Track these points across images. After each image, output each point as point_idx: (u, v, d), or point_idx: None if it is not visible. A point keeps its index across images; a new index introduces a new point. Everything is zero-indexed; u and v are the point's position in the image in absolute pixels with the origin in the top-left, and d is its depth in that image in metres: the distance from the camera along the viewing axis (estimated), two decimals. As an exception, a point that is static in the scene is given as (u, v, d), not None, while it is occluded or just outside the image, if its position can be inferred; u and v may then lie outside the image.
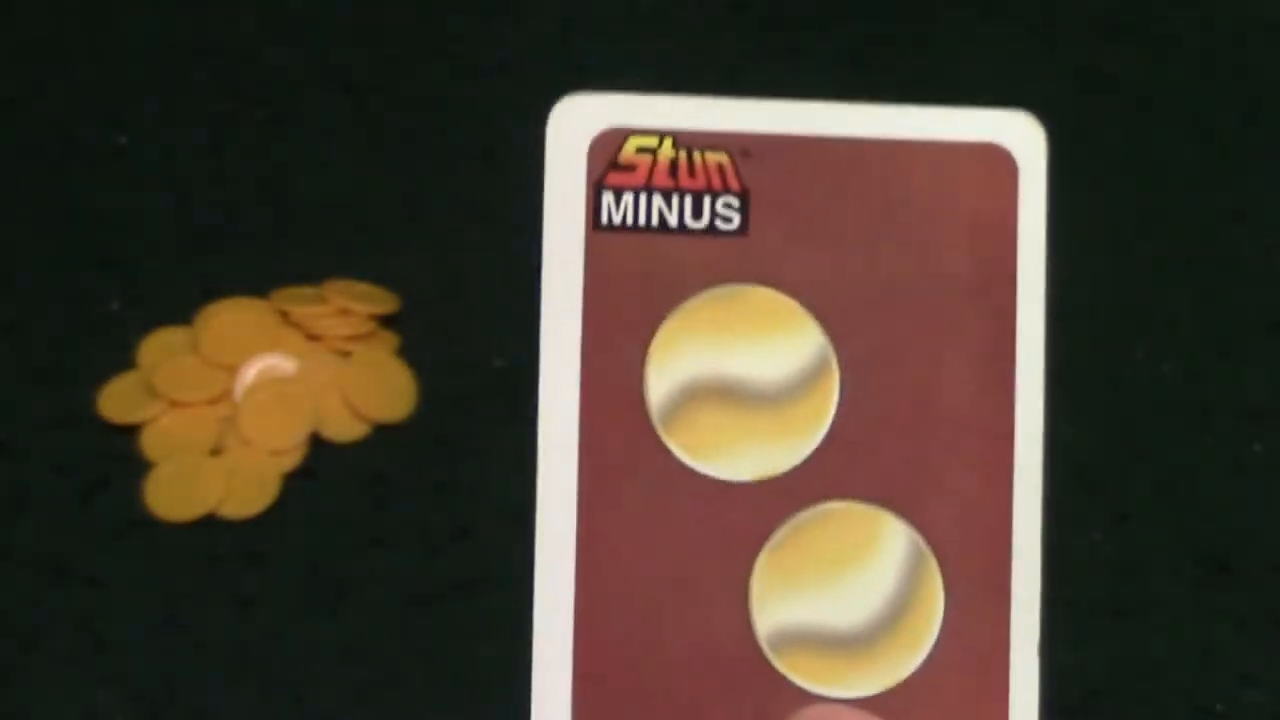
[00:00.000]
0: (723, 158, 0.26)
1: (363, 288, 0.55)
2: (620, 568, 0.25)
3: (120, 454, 0.52)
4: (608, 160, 0.26)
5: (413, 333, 0.55)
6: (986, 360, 0.25)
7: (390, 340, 0.55)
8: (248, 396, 0.53)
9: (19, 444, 0.52)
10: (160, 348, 0.54)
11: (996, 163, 0.26)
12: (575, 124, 0.26)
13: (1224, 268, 0.59)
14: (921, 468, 0.25)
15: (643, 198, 0.26)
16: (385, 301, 0.55)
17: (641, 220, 0.26)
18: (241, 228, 0.57)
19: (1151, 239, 0.59)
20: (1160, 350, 0.56)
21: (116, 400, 0.53)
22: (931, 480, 0.25)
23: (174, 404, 0.53)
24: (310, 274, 0.55)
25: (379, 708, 0.47)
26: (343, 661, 0.48)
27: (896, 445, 0.25)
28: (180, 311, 0.54)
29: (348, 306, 0.54)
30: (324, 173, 0.58)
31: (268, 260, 0.56)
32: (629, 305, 0.26)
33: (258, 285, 0.55)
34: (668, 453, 0.25)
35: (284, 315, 0.55)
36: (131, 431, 0.52)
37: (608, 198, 0.26)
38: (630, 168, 0.26)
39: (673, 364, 0.25)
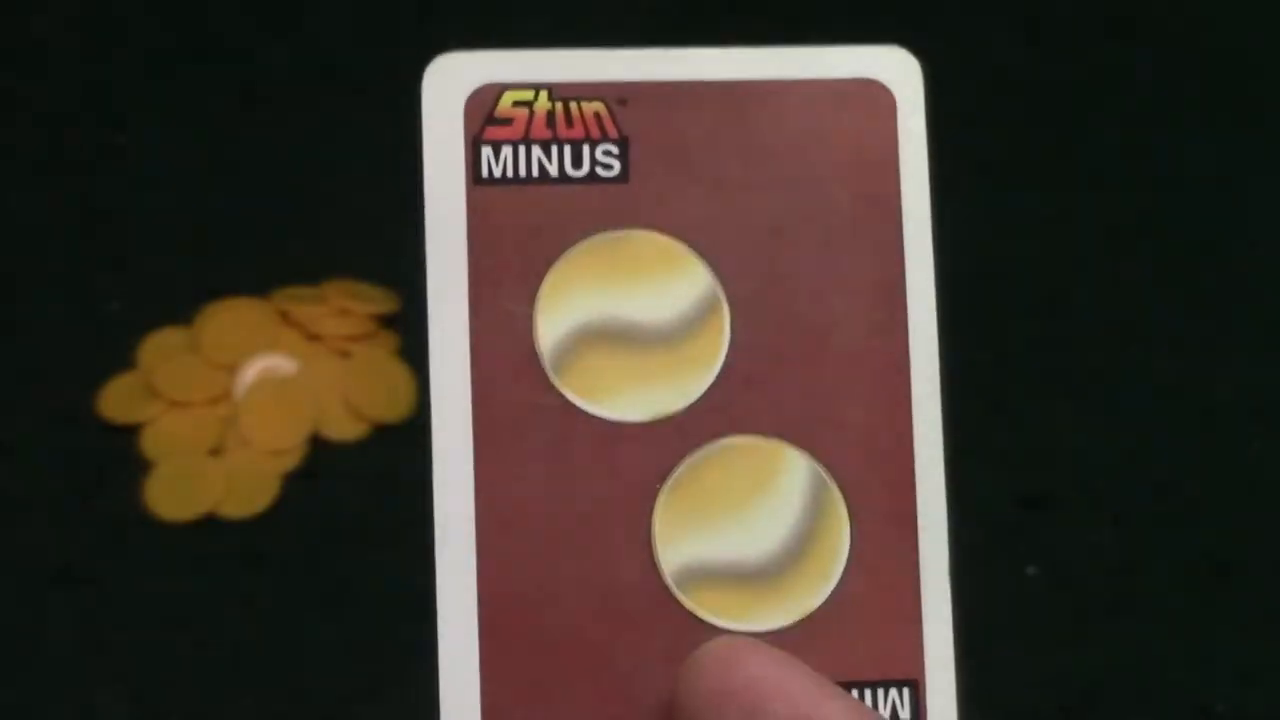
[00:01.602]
0: (599, 107, 0.26)
1: (363, 288, 0.55)
2: (520, 516, 0.25)
3: (120, 454, 0.52)
4: (484, 115, 0.26)
5: (413, 333, 0.55)
6: (876, 291, 0.26)
7: (390, 340, 0.55)
8: (248, 396, 0.53)
9: (19, 444, 0.52)
10: (160, 348, 0.54)
11: (874, 98, 0.26)
12: (449, 82, 0.26)
13: (1224, 268, 0.59)
14: (818, 400, 0.25)
15: (521, 150, 0.26)
16: (385, 301, 0.55)
17: (522, 172, 0.26)
18: (241, 228, 0.57)
19: (1154, 240, 0.59)
20: (1160, 350, 0.56)
21: (116, 400, 0.53)
22: (829, 412, 0.25)
23: (174, 404, 0.53)
24: (310, 274, 0.55)
25: (379, 707, 0.47)
26: (342, 661, 0.48)
27: (791, 379, 0.25)
28: (180, 311, 0.54)
29: (348, 306, 0.54)
30: (323, 172, 0.58)
31: (268, 260, 0.56)
32: (514, 256, 0.26)
33: (258, 285, 0.55)
34: (562, 398, 0.25)
35: (284, 315, 0.55)
36: (131, 431, 0.52)
37: (487, 152, 0.26)
38: (507, 121, 0.26)
39: (562, 311, 0.26)
